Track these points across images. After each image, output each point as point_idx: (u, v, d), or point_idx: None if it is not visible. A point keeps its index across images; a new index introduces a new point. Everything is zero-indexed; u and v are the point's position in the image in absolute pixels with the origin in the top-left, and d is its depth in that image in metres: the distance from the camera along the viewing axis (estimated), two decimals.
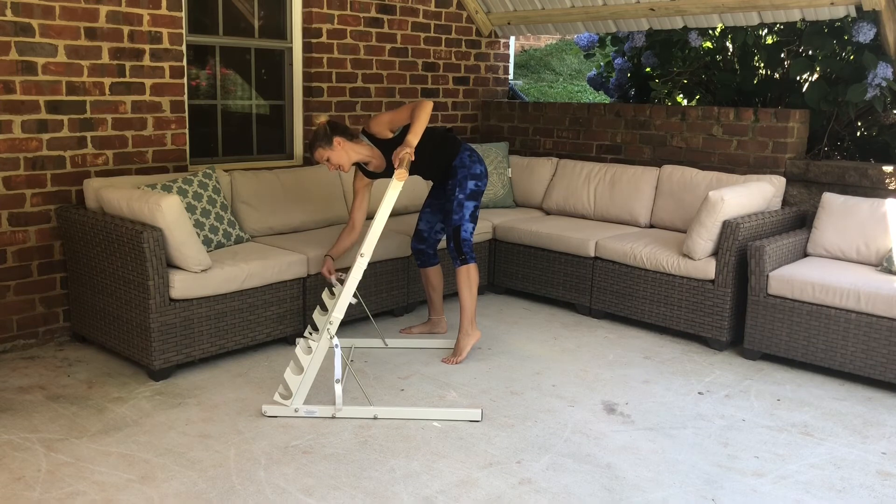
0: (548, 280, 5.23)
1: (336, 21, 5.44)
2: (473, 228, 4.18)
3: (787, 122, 5.00)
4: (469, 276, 4.14)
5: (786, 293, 4.17)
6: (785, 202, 5.02)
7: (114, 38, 4.34)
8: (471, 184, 4.15)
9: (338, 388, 3.40)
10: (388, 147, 4.00)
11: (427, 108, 3.85)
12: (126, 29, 4.37)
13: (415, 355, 4.26)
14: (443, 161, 4.20)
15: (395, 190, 3.65)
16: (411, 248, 4.55)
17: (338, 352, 3.40)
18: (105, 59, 4.32)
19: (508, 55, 6.88)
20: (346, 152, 3.97)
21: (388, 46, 5.81)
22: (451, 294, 5.12)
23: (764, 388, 3.94)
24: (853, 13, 4.75)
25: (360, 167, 4.19)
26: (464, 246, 4.13)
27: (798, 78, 5.48)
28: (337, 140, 3.93)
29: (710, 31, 5.94)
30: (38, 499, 2.75)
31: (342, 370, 3.42)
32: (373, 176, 4.22)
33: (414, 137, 3.77)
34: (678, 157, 5.52)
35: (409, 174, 4.17)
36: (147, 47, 4.47)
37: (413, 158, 3.69)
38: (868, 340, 3.92)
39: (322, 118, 3.99)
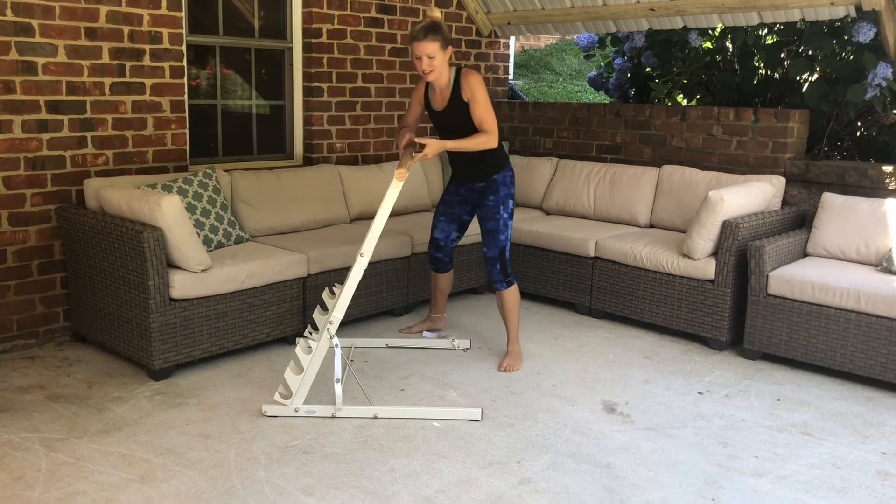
0: (548, 280, 5.23)
1: (336, 21, 5.44)
2: None
3: (787, 122, 5.00)
4: (517, 297, 4.15)
5: (785, 293, 4.18)
6: (785, 202, 5.02)
7: (114, 38, 4.34)
8: (511, 203, 4.11)
9: (338, 388, 3.40)
10: (440, 114, 3.97)
11: (489, 143, 3.83)
12: (126, 29, 4.37)
13: (415, 355, 4.26)
14: (488, 167, 4.05)
15: (394, 190, 3.65)
16: (428, 256, 4.46)
17: (338, 351, 3.41)
18: (105, 59, 4.32)
19: (508, 55, 6.87)
20: (446, 67, 3.84)
21: (388, 46, 5.81)
22: (454, 294, 5.12)
23: (764, 387, 3.94)
24: (853, 13, 4.74)
25: (426, 88, 4.06)
26: (508, 267, 4.11)
27: (798, 78, 5.48)
28: (451, 50, 3.78)
29: (710, 31, 5.94)
30: (38, 499, 2.75)
31: (342, 370, 3.43)
32: (429, 109, 4.06)
33: (453, 144, 3.79)
34: (678, 157, 5.52)
35: (452, 166, 4.13)
36: (147, 47, 4.47)
37: (428, 157, 3.71)
38: (868, 340, 3.92)
39: (437, 14, 3.72)
